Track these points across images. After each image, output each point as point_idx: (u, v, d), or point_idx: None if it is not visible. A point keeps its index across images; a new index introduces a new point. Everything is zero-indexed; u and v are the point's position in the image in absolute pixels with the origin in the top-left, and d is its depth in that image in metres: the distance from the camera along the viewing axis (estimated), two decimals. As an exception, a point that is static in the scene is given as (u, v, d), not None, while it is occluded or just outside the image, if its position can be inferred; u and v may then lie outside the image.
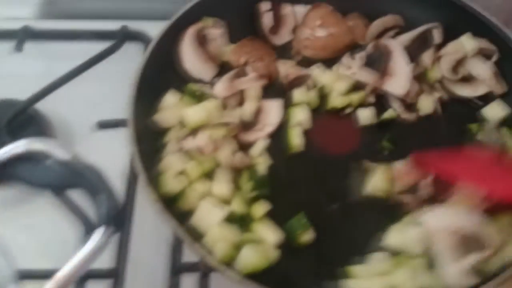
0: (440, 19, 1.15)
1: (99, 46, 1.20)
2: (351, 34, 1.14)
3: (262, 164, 0.98)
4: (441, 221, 0.85)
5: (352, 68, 1.06)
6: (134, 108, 0.94)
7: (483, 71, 1.09)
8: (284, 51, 1.16)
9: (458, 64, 1.10)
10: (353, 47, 1.15)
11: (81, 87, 1.16)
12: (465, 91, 1.10)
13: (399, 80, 1.05)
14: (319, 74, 1.09)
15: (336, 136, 1.06)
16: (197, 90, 1.03)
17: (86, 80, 1.16)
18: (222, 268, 0.79)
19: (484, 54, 1.11)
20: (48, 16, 1.32)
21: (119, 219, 0.66)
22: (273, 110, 1.05)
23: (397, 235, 0.88)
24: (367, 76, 1.06)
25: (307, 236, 0.90)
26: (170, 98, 1.02)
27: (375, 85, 1.06)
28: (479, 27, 1.11)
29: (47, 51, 1.25)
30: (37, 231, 0.98)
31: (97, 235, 0.64)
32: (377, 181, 0.95)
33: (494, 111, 1.06)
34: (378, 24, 1.16)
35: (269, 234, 0.89)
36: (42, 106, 1.13)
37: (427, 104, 1.07)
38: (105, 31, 1.23)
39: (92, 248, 0.63)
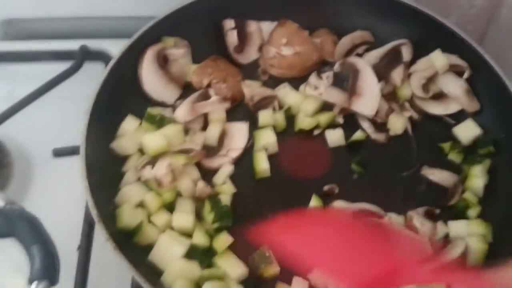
0: (411, 35, 1.12)
1: (59, 67, 1.16)
2: (319, 51, 1.10)
3: (226, 193, 0.93)
4: None
5: (319, 88, 1.02)
6: (88, 136, 0.90)
7: (455, 88, 1.06)
8: (250, 70, 1.12)
9: (429, 81, 1.07)
10: (321, 65, 1.12)
11: (40, 111, 1.11)
12: (437, 109, 1.06)
13: (368, 100, 1.02)
14: (285, 94, 1.05)
15: (304, 160, 1.02)
16: (157, 114, 0.98)
17: (45, 103, 1.11)
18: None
19: (455, 71, 1.08)
20: (5, 38, 1.26)
21: (53, 272, 0.61)
22: (238, 133, 1.01)
23: None
24: (334, 96, 1.02)
25: (272, 269, 0.85)
26: (129, 124, 0.98)
27: (343, 106, 1.02)
28: (451, 42, 1.08)
29: (4, 74, 1.20)
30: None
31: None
32: None
33: (466, 131, 1.02)
34: (346, 41, 1.13)
35: (232, 269, 0.84)
36: (-1, 132, 1.08)
37: (397, 123, 1.04)
38: (64, 51, 1.18)
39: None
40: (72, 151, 1.01)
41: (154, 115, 0.98)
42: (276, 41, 1.08)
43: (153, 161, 0.91)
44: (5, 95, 1.14)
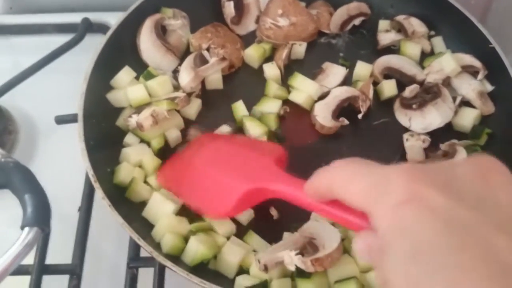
0: (408, 7, 1.13)
1: (62, 39, 1.19)
2: (315, 22, 1.12)
3: None
4: None
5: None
6: (86, 102, 0.93)
7: (467, 91, 1.01)
8: (249, 40, 1.13)
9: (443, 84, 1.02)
10: (317, 36, 1.14)
11: (44, 81, 1.15)
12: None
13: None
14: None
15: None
16: (156, 74, 1.02)
17: (49, 73, 1.15)
18: (169, 264, 0.78)
19: (470, 71, 1.04)
20: (10, 12, 1.30)
21: (44, 220, 0.64)
22: (334, 75, 1.06)
23: None
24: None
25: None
26: (125, 75, 1.01)
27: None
28: (453, 17, 1.09)
29: (10, 46, 1.24)
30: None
31: (22, 237, 0.62)
32: None
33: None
34: (342, 12, 1.14)
35: (220, 225, 0.87)
36: (4, 101, 1.12)
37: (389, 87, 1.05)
38: (66, 24, 1.22)
39: (15, 252, 0.61)
40: (73, 118, 1.03)
41: (154, 74, 1.01)
42: (272, 12, 1.10)
43: (140, 109, 0.95)
44: (10, 65, 1.19)
